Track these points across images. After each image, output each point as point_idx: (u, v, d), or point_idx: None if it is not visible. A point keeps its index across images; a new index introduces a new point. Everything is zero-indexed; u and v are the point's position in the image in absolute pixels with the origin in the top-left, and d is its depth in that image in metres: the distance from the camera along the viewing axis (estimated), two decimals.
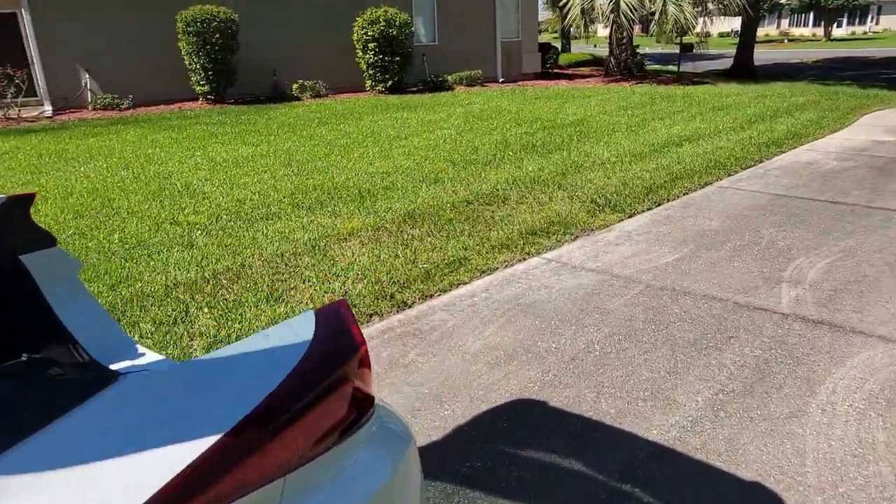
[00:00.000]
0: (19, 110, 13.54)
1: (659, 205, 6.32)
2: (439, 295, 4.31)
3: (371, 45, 16.38)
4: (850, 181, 7.05)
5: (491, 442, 2.73)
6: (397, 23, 16.28)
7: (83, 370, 1.83)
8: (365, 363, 1.37)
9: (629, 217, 5.96)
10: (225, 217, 5.81)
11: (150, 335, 3.68)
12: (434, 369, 3.35)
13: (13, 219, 1.87)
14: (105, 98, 14.52)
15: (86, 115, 13.84)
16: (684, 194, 6.68)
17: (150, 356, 2.11)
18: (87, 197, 6.56)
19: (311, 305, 4.04)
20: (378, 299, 4.18)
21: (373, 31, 16.21)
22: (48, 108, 14.22)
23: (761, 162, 8.13)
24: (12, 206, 1.86)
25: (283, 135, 10.30)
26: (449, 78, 18.37)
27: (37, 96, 14.36)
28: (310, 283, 4.37)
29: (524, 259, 4.93)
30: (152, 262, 4.74)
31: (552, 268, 4.74)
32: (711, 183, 7.10)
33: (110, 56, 14.75)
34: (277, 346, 1.33)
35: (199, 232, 5.43)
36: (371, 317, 4.00)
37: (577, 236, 5.43)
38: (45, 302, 1.92)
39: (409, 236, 5.30)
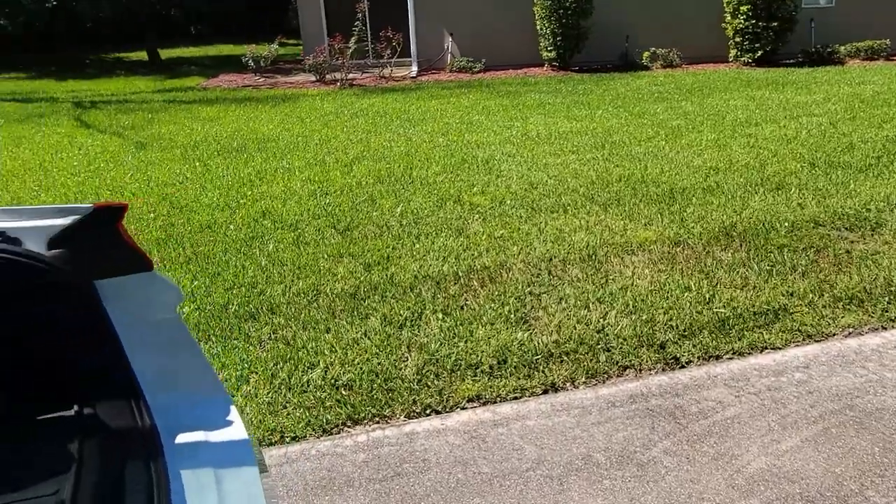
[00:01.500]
0: (391, 70, 15.09)
1: None
2: (730, 359, 3.14)
3: (743, 9, 14.07)
4: None
5: None
6: None
7: (125, 439, 1.42)
8: None
9: None
10: (509, 202, 5.29)
11: (372, 334, 3.36)
12: (679, 486, 2.33)
13: (98, 235, 1.52)
14: (461, 61, 15.31)
15: (442, 77, 14.77)
16: None
17: (235, 429, 1.63)
18: (395, 162, 6.71)
19: (554, 337, 3.28)
20: (641, 346, 3.21)
21: None
22: (414, 69, 15.58)
23: None
24: (98, 219, 1.52)
25: (613, 110, 9.37)
26: (841, 49, 14.89)
27: (409, 57, 15.85)
28: (563, 307, 3.58)
29: (882, 328, 3.35)
30: (416, 246, 4.47)
31: None
32: None
33: (471, 20, 15.42)
34: None
35: (477, 216, 5.01)
36: (624, 370, 3.07)
37: None
38: (115, 342, 1.56)
39: (715, 262, 4.08)
